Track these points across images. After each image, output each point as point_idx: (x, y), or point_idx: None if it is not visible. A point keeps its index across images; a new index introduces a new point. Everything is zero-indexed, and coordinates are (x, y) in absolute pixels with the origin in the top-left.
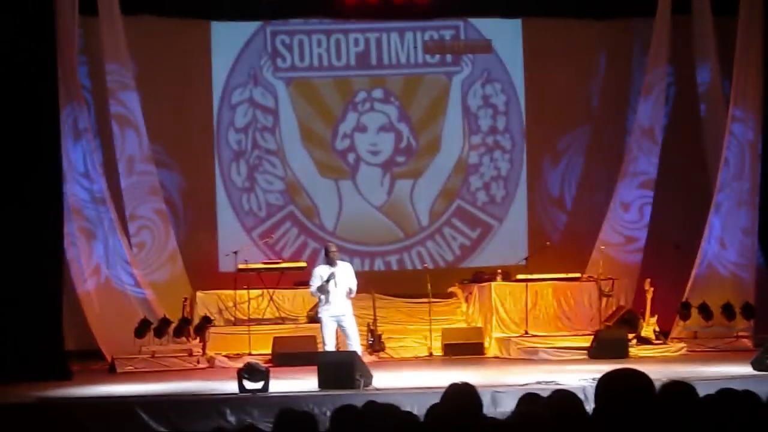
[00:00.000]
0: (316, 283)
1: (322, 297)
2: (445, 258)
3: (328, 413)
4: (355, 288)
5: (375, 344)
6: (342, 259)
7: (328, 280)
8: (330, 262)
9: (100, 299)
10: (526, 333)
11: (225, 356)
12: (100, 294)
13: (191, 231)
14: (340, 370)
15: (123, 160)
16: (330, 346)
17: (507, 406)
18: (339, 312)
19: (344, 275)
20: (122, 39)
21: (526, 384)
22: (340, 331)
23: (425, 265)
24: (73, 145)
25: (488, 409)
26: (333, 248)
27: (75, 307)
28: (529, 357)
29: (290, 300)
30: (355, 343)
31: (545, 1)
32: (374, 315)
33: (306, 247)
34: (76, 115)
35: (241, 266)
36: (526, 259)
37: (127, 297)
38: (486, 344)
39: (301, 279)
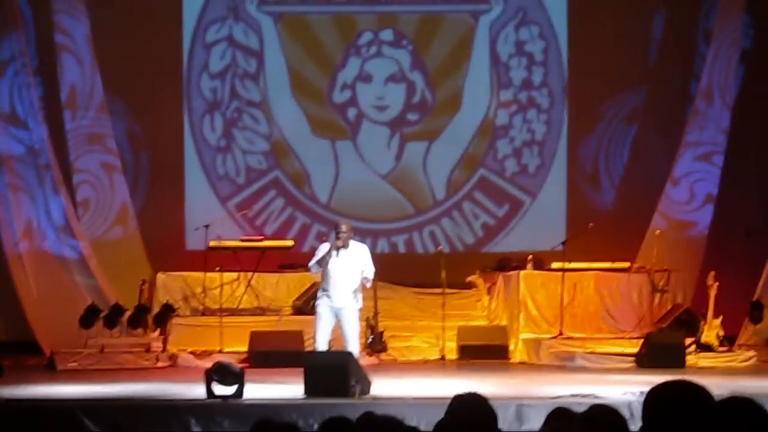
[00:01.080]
0: (316, 256)
1: (318, 270)
2: (464, 240)
3: (316, 426)
4: (371, 274)
5: (375, 343)
6: (357, 240)
7: (329, 253)
8: (338, 241)
9: (37, 277)
10: (561, 334)
11: (190, 353)
12: (36, 268)
13: (152, 199)
14: (331, 373)
15: (68, 103)
16: (321, 344)
17: (535, 422)
18: (340, 303)
19: (355, 257)
20: None
21: (559, 397)
22: (337, 328)
23: (439, 248)
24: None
25: (512, 426)
26: (345, 228)
27: (6, 290)
28: (564, 363)
29: (273, 286)
30: (353, 343)
31: None
32: (375, 308)
33: (293, 222)
34: (12, 46)
35: (212, 243)
36: (563, 243)
37: (71, 275)
38: (511, 347)
39: (286, 261)
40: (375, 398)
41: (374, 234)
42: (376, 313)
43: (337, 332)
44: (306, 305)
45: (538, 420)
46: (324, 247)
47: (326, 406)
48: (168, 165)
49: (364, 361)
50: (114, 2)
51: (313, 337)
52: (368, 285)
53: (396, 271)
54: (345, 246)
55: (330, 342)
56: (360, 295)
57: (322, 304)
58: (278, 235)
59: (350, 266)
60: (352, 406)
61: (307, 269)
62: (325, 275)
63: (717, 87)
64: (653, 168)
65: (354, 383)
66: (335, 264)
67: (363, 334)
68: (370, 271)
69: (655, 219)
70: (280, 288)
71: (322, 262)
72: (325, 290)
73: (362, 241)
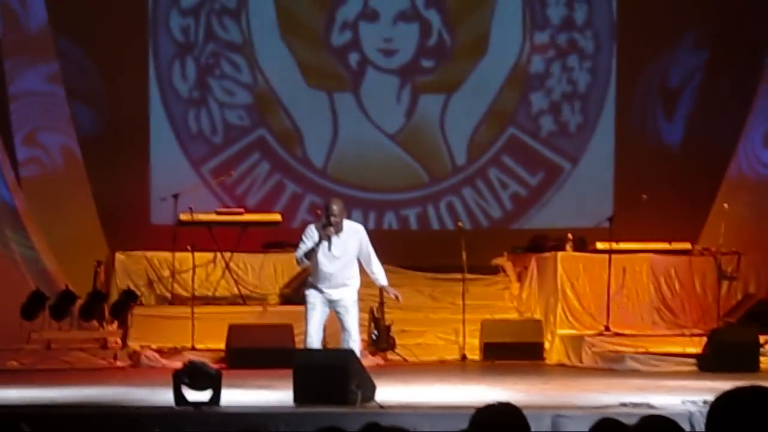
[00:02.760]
0: (305, 244)
1: (306, 263)
2: (489, 214)
3: None
4: (382, 275)
5: (381, 340)
6: (351, 220)
7: (318, 244)
8: (330, 229)
9: None
10: (607, 330)
11: (156, 351)
12: None
13: (110, 162)
14: (327, 376)
15: (7, 52)
16: (314, 340)
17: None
18: (333, 294)
19: (348, 245)
20: None
21: (605, 406)
22: (333, 320)
23: (459, 223)
24: None
25: None
26: (336, 210)
27: None
28: (611, 366)
29: (256, 270)
30: (354, 339)
31: None
32: (381, 297)
33: (282, 191)
34: None
35: (183, 217)
36: (610, 219)
37: (10, 252)
38: (546, 345)
39: (272, 239)
40: (380, 406)
41: (380, 206)
42: (381, 304)
43: (334, 326)
44: (296, 293)
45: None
46: (312, 233)
47: (321, 416)
48: (129, 121)
49: (367, 361)
50: None
51: (304, 332)
52: (377, 279)
53: (406, 252)
54: (337, 233)
55: (325, 338)
56: (358, 279)
57: (313, 296)
58: (263, 207)
59: (344, 257)
60: (353, 416)
61: (296, 260)
62: (313, 267)
63: None
64: (721, 128)
65: (355, 388)
66: (325, 256)
67: (366, 328)
68: (377, 268)
69: (723, 190)
70: (264, 272)
71: (310, 256)
72: (315, 283)
73: (364, 214)
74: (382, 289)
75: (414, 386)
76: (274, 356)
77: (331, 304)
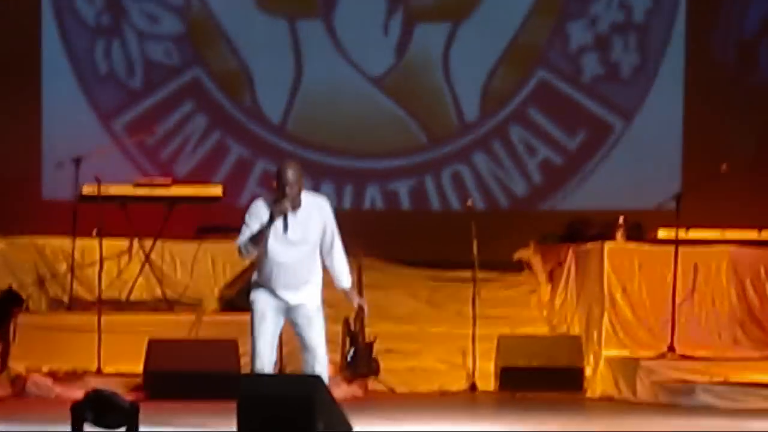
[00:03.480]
0: (249, 227)
1: (253, 252)
2: (511, 190)
3: None
4: (337, 250)
5: (360, 363)
6: (313, 189)
7: (268, 225)
8: (285, 201)
9: None
10: (671, 350)
11: (48, 375)
12: None
13: None
14: (284, 413)
15: None
16: (266, 362)
17: None
18: (291, 298)
19: (310, 223)
20: None
21: None
22: (290, 333)
23: (469, 202)
24: None
25: None
26: (291, 177)
27: None
28: (676, 401)
29: (187, 264)
30: (320, 361)
31: None
32: (359, 303)
33: (224, 155)
34: None
35: (87, 190)
36: (677, 198)
37: None
38: (588, 372)
39: (210, 221)
40: None
41: (360, 178)
42: (360, 312)
43: (294, 342)
44: (242, 297)
45: None
46: (259, 210)
47: None
48: (14, 59)
49: (341, 391)
50: None
51: (251, 351)
52: (354, 301)
53: (396, 240)
54: (294, 209)
55: (281, 359)
56: (320, 280)
57: (263, 301)
58: (198, 177)
59: (303, 243)
60: None
61: (237, 248)
62: (262, 260)
63: None
64: None
65: (323, 429)
66: (279, 242)
67: (338, 346)
68: (339, 262)
69: None
70: (199, 267)
71: (259, 241)
72: (262, 283)
73: (337, 188)
74: (346, 295)
75: (404, 427)
76: (211, 384)
77: (288, 312)
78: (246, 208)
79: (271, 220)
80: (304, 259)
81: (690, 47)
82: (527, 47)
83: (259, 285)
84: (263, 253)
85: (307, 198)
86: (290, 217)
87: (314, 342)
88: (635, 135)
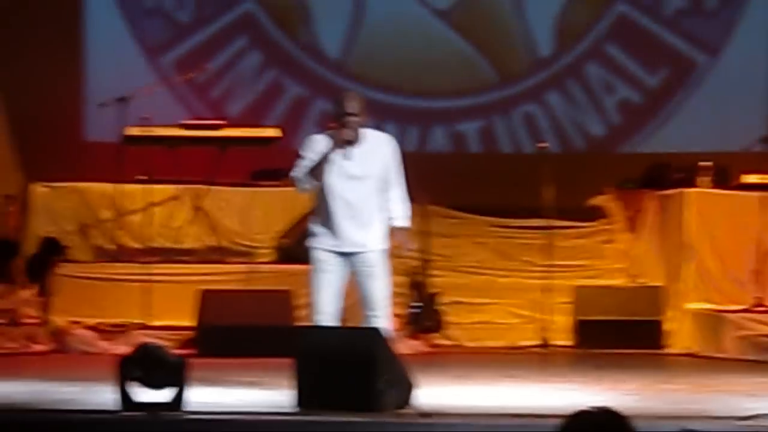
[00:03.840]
0: (305, 160)
1: (310, 184)
2: (587, 131)
3: None
4: (398, 189)
5: (424, 317)
6: (376, 129)
7: (327, 154)
8: (343, 135)
9: None
10: (761, 305)
11: (90, 328)
12: None
13: (23, 52)
14: (345, 368)
15: None
16: (327, 315)
17: None
18: (354, 244)
19: (373, 157)
20: None
21: (753, 416)
22: (354, 285)
23: (542, 144)
24: None
25: None
26: (355, 107)
27: None
28: (765, 357)
29: (241, 211)
30: (382, 314)
31: None
32: (424, 253)
33: (280, 95)
34: None
35: (133, 131)
36: (765, 139)
37: None
38: (670, 326)
39: (266, 165)
40: (421, 414)
41: (424, 118)
42: (425, 263)
43: (354, 296)
44: (300, 245)
45: None
46: (316, 143)
47: (334, 427)
48: None
49: (404, 346)
50: None
51: (311, 303)
52: (405, 244)
53: (463, 186)
54: (354, 140)
55: (342, 311)
56: (385, 224)
57: (323, 249)
58: (252, 118)
59: (366, 178)
60: (381, 428)
61: (292, 180)
62: (322, 197)
63: None
64: None
65: (384, 386)
66: (339, 176)
67: (402, 299)
68: (399, 201)
69: None
70: (253, 214)
71: (317, 173)
72: (322, 226)
73: (400, 129)
74: (393, 231)
75: (471, 384)
76: (266, 338)
77: (351, 259)
78: None
79: (331, 150)
80: (366, 195)
81: None
82: None
83: (318, 228)
84: (322, 189)
85: (372, 133)
86: (352, 149)
87: (377, 293)
88: (720, 72)
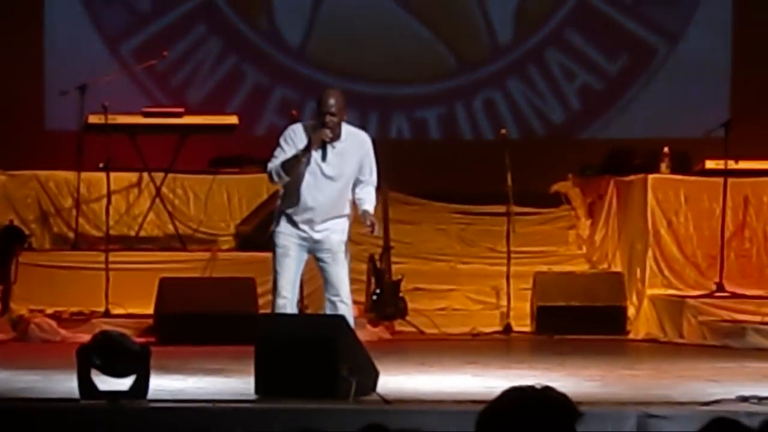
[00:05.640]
0: (283, 153)
1: (284, 179)
2: (547, 117)
3: None
4: (372, 197)
5: (386, 303)
6: (354, 127)
7: (307, 153)
8: (324, 130)
9: None
10: (720, 289)
11: (52, 317)
12: None
13: None
14: (306, 356)
15: None
16: (288, 301)
17: None
18: (317, 232)
19: (347, 159)
20: None
21: (717, 401)
22: (313, 272)
23: (503, 130)
24: None
25: None
26: (334, 106)
27: None
28: (725, 342)
29: (200, 198)
30: (344, 300)
31: None
32: (386, 239)
33: (239, 82)
34: None
35: (93, 119)
36: (726, 125)
37: None
38: (631, 311)
39: (226, 152)
40: (384, 400)
41: (385, 105)
42: (387, 249)
43: (316, 282)
44: (260, 232)
45: None
46: (297, 136)
47: (295, 415)
48: None
49: (366, 333)
50: None
51: (273, 289)
52: (373, 227)
53: (424, 173)
54: (334, 138)
55: (302, 299)
56: (349, 221)
57: (286, 234)
58: (212, 105)
59: (339, 178)
60: (343, 415)
61: (267, 173)
62: (292, 189)
63: None
64: None
65: (347, 374)
66: (313, 175)
67: (363, 285)
68: (368, 190)
69: None
70: (213, 201)
71: (293, 168)
72: (290, 215)
73: (362, 119)
74: (361, 215)
75: (433, 372)
76: (227, 325)
77: (312, 247)
78: (262, 140)
79: (308, 148)
80: (336, 194)
81: None
82: None
83: (283, 216)
84: (294, 184)
85: (349, 130)
86: (329, 149)
87: (339, 279)
88: (681, 58)
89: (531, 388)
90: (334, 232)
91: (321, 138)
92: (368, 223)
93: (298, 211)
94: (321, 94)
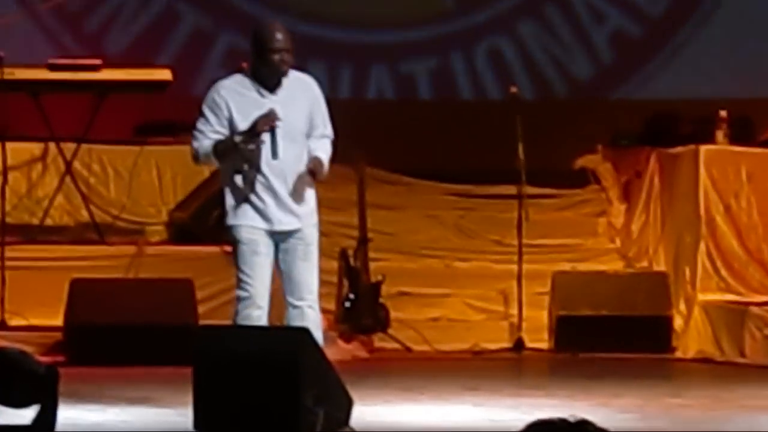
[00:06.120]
0: (208, 126)
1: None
2: (570, 71)
3: None
4: (327, 147)
5: (361, 312)
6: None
7: (252, 130)
8: (267, 73)
9: None
10: None
11: None
12: None
13: None
14: (260, 381)
15: None
16: (263, 308)
17: None
18: (284, 217)
19: (296, 112)
20: None
21: None
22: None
23: (514, 89)
24: None
25: None
26: (280, 35)
27: None
28: None
29: (123, 177)
30: (313, 306)
31: None
32: (362, 229)
33: (174, 26)
34: None
35: None
36: None
37: None
38: (678, 322)
39: (155, 117)
40: None
41: (362, 55)
42: (363, 242)
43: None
44: (199, 220)
45: None
46: (223, 102)
47: None
48: None
49: (337, 351)
50: None
51: (239, 299)
52: (321, 171)
53: (411, 142)
54: (274, 87)
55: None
56: (314, 193)
57: (250, 227)
58: (137, 56)
59: (288, 134)
60: None
61: (192, 154)
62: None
63: None
64: None
65: (312, 403)
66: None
67: (332, 288)
68: (325, 139)
69: None
70: (140, 180)
71: (228, 156)
72: (244, 198)
73: (331, 74)
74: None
75: (423, 401)
76: (157, 341)
77: (280, 238)
78: (203, 99)
79: (253, 132)
80: (292, 157)
81: None
82: None
83: (239, 201)
84: (253, 160)
85: (291, 76)
86: (267, 98)
87: (306, 281)
88: (739, 4)
89: (563, 421)
90: (307, 216)
91: (270, 124)
92: (310, 165)
93: (254, 189)
94: (260, 29)
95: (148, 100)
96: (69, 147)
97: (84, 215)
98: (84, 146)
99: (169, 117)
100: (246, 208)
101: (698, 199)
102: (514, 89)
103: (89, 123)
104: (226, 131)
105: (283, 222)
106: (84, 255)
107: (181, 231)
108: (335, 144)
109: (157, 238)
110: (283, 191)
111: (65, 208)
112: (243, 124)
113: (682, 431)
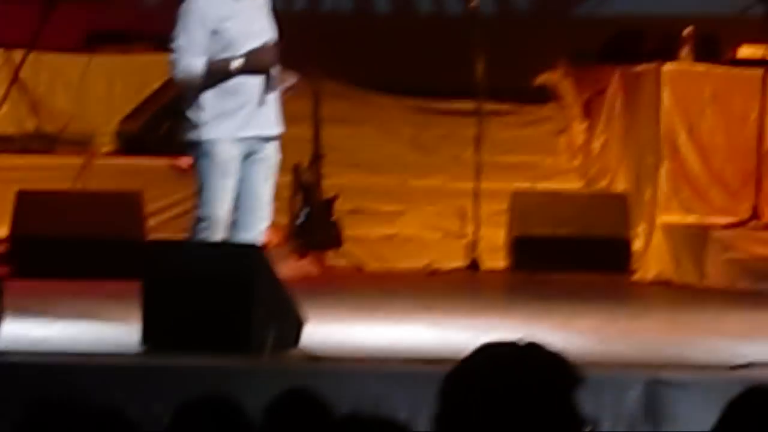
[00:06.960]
0: (193, 43)
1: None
2: None
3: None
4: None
5: (314, 228)
6: None
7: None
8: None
9: None
10: (756, 217)
11: None
12: None
13: None
14: (210, 297)
15: None
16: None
17: (688, 416)
18: (261, 125)
19: (265, 12)
20: None
21: (747, 364)
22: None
23: (473, 3)
24: None
25: (635, 425)
26: None
27: None
28: (760, 286)
29: (71, 86)
30: (267, 218)
31: None
32: (315, 144)
33: None
34: None
35: None
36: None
37: None
38: (637, 244)
39: (105, 24)
40: (311, 357)
41: None
42: (317, 158)
43: None
44: (150, 131)
45: (697, 412)
46: (209, 11)
47: (195, 375)
48: None
49: (288, 267)
50: None
51: (200, 218)
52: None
53: (368, 57)
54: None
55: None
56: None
57: (227, 144)
58: None
59: (262, 32)
60: (257, 377)
61: (175, 76)
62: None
63: None
64: None
65: (264, 320)
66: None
67: (284, 203)
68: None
69: None
70: (89, 89)
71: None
72: (217, 106)
73: None
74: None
75: (376, 320)
76: (105, 254)
77: (248, 149)
78: (158, 7)
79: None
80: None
81: None
82: None
83: (210, 111)
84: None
85: None
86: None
87: (267, 192)
88: None
89: (512, 344)
90: (277, 126)
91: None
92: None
93: (232, 94)
94: None
95: (100, 9)
96: (16, 55)
97: (31, 125)
98: (32, 54)
99: (121, 25)
100: (218, 117)
101: (660, 119)
102: (474, 3)
103: (38, 31)
104: (208, 45)
105: (257, 128)
106: (30, 166)
107: (131, 141)
108: (289, 56)
109: (106, 149)
110: (258, 95)
111: (11, 118)
112: (226, 34)
113: (640, 355)
